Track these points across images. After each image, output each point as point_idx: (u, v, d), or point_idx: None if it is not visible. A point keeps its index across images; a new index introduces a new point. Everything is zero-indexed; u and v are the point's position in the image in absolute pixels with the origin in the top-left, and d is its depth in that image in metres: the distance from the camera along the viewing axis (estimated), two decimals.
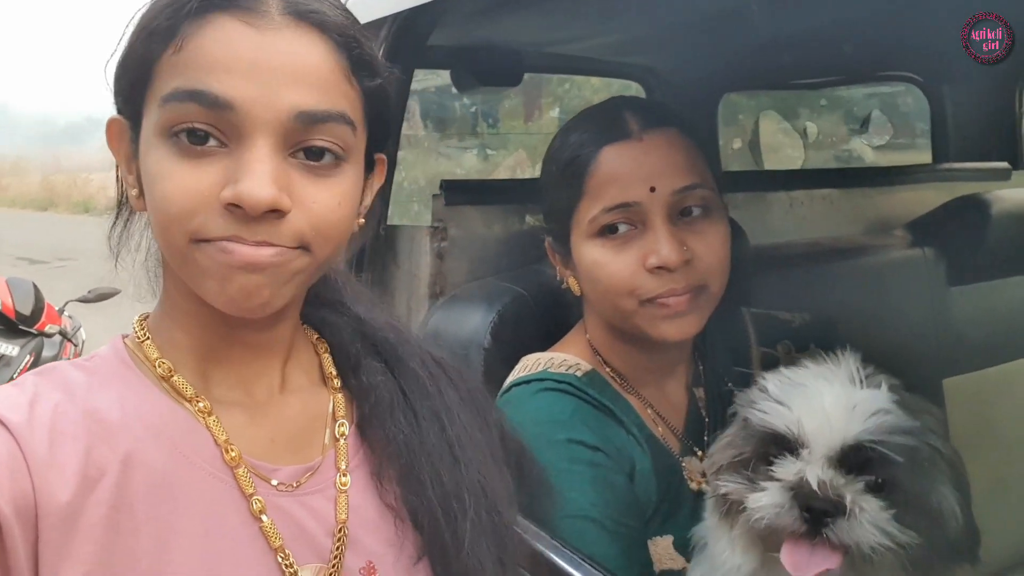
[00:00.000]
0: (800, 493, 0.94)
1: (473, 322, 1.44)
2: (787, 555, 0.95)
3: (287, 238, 0.80)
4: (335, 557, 0.88)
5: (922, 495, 0.96)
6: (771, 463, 0.99)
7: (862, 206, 2.37)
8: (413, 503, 0.93)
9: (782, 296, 1.77)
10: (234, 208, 0.77)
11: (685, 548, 1.22)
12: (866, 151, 3.59)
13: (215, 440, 0.86)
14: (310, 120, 0.80)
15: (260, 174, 0.77)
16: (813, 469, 0.95)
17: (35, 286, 4.74)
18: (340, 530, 0.90)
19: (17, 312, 4.55)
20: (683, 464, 1.29)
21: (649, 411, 1.32)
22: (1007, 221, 2.11)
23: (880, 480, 0.95)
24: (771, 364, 1.41)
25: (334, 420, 0.97)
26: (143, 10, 0.83)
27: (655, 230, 1.20)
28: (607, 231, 1.23)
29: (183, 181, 0.78)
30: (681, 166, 1.23)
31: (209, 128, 0.78)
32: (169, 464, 0.82)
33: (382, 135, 0.93)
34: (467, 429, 1.00)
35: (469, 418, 1.02)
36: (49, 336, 4.80)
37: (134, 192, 0.87)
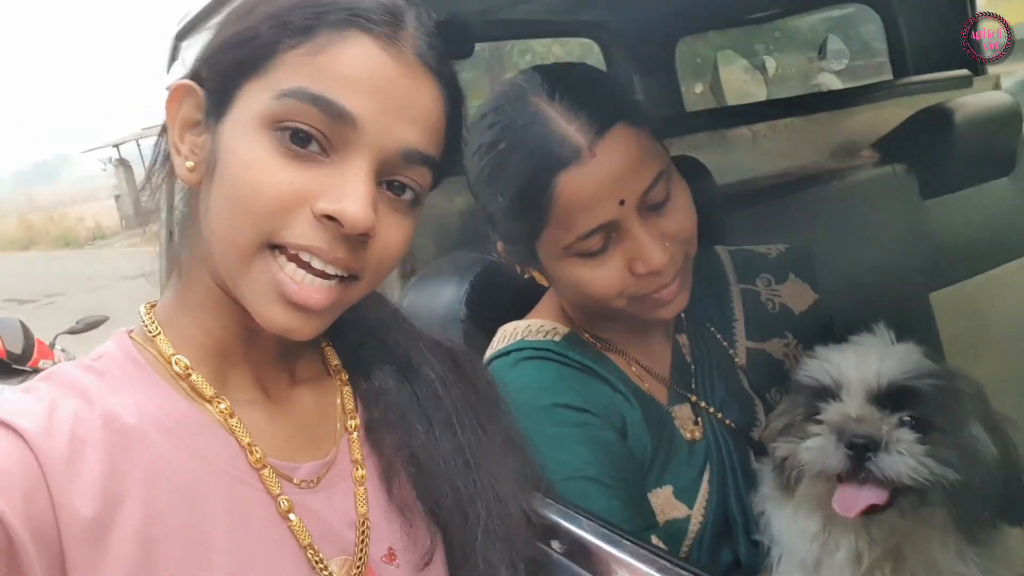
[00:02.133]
0: (843, 431, 1.01)
1: (447, 296, 1.42)
2: (838, 499, 1.01)
3: (356, 264, 0.82)
4: (360, 549, 0.90)
5: (953, 431, 1.02)
6: (817, 417, 1.06)
7: (827, 131, 2.36)
8: (426, 509, 0.95)
9: (757, 231, 1.76)
10: (328, 221, 0.78)
11: (686, 495, 1.21)
12: (834, 81, 3.55)
13: (239, 443, 0.85)
14: (411, 159, 0.83)
15: (364, 196, 0.78)
16: (852, 404, 1.03)
17: (23, 324, 4.70)
18: (363, 522, 0.91)
19: (8, 352, 4.52)
20: (673, 413, 1.28)
21: (634, 367, 1.30)
22: (973, 128, 2.10)
23: (914, 417, 1.01)
24: (752, 300, 1.41)
25: (344, 413, 0.97)
26: None
27: (635, 237, 1.13)
28: (586, 252, 1.16)
29: (280, 178, 0.78)
30: (641, 165, 1.12)
31: (318, 135, 0.79)
32: (192, 470, 0.81)
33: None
34: (477, 431, 1.01)
35: (480, 413, 1.03)
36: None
37: (189, 164, 0.84)
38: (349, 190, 0.78)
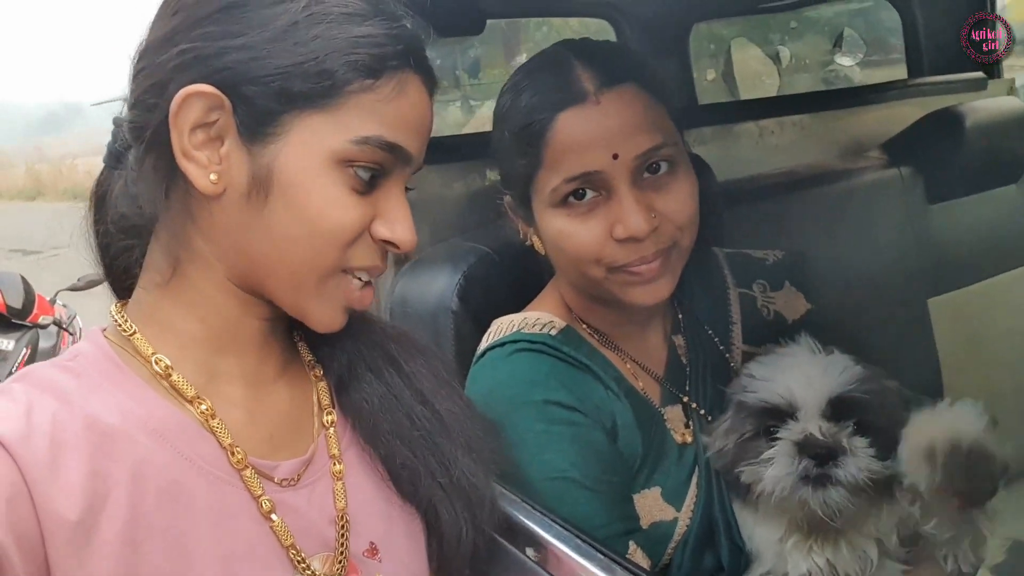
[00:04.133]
0: (806, 447, 1.08)
1: (439, 285, 1.41)
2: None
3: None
4: (341, 544, 0.90)
5: (889, 428, 1.10)
6: (771, 435, 1.12)
7: (836, 129, 2.33)
8: (405, 500, 0.98)
9: (758, 231, 1.75)
10: (383, 244, 0.88)
11: (674, 497, 1.21)
12: (854, 72, 3.51)
13: (220, 443, 0.86)
14: (416, 171, 0.93)
15: (411, 220, 0.89)
16: (810, 422, 1.10)
17: (23, 279, 4.70)
18: (342, 517, 0.92)
19: (8, 306, 4.52)
20: (664, 415, 1.28)
21: (629, 365, 1.30)
22: (982, 133, 2.08)
23: (858, 422, 1.09)
24: (749, 304, 1.40)
25: (320, 409, 0.98)
26: (322, 18, 0.81)
27: (620, 198, 1.14)
28: (570, 198, 1.17)
29: (356, 214, 0.85)
30: (643, 127, 1.15)
31: (379, 171, 0.86)
32: (177, 472, 0.82)
33: None
34: (440, 415, 1.02)
35: (440, 396, 1.04)
36: (44, 327, 4.77)
37: (213, 177, 0.82)
38: (399, 215, 0.88)
